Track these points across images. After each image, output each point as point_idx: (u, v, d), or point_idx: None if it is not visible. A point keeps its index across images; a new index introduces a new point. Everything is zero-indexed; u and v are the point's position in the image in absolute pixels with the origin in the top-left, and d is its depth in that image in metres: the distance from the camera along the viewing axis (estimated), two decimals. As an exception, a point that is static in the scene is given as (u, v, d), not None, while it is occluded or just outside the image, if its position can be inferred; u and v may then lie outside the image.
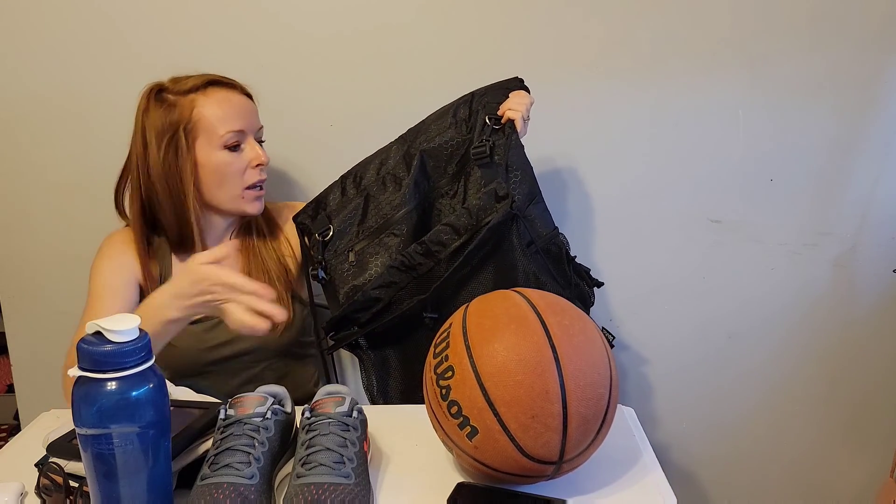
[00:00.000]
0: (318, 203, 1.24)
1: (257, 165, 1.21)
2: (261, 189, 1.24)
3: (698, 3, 1.40)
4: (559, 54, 1.43)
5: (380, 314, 1.15)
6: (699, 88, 1.44)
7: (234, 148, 1.19)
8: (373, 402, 1.23)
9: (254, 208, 1.24)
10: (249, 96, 1.24)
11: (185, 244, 1.22)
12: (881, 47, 1.41)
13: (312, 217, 1.24)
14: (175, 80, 1.20)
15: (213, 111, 1.17)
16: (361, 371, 1.23)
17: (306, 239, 1.25)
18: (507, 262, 1.13)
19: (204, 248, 1.24)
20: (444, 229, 1.12)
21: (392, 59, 1.44)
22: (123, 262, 1.22)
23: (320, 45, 1.44)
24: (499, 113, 1.19)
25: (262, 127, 1.25)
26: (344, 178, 1.24)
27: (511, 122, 1.18)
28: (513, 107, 1.19)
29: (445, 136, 1.22)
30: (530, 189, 1.19)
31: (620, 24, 1.42)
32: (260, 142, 1.25)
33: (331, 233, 1.21)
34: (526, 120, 1.19)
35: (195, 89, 1.18)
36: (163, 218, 1.20)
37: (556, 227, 1.21)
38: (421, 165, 1.21)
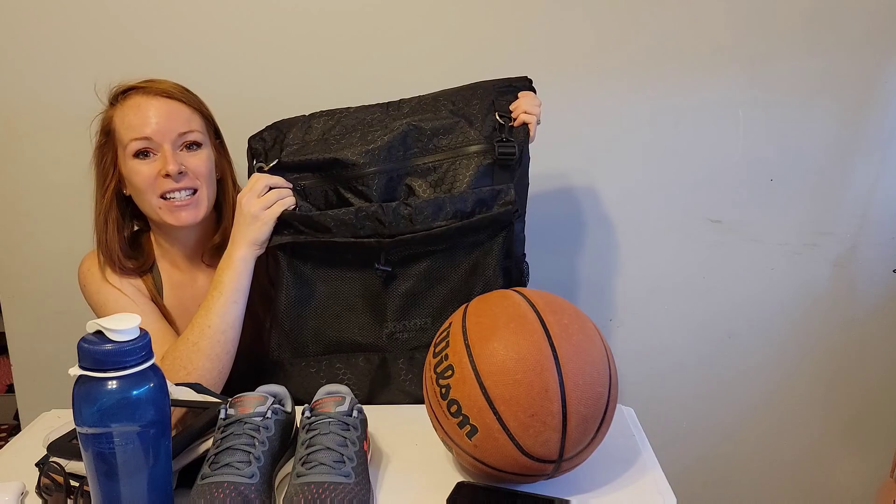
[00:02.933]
0: (279, 132, 1.15)
1: (166, 175, 1.11)
2: (182, 198, 1.13)
3: (698, 3, 1.41)
4: (558, 55, 1.43)
5: (323, 243, 1.08)
6: (699, 88, 1.44)
7: (144, 156, 1.12)
8: (283, 330, 1.13)
9: (174, 219, 1.14)
10: (176, 98, 1.14)
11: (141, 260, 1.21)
12: (882, 47, 1.41)
13: (270, 145, 1.15)
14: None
15: (121, 120, 1.13)
16: (280, 291, 1.12)
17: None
18: (482, 262, 1.08)
19: (172, 265, 1.24)
20: (429, 205, 1.05)
21: (392, 61, 1.44)
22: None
23: (320, 45, 1.44)
24: (513, 115, 1.11)
25: (191, 131, 1.14)
26: (313, 117, 1.16)
27: (525, 126, 1.10)
28: (528, 110, 1.10)
29: (440, 121, 1.13)
30: (523, 204, 1.13)
31: (620, 25, 1.42)
32: (190, 146, 1.15)
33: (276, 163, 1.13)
34: (538, 125, 1.12)
35: (115, 100, 1.16)
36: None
37: (525, 253, 1.15)
38: (403, 135, 1.12)
